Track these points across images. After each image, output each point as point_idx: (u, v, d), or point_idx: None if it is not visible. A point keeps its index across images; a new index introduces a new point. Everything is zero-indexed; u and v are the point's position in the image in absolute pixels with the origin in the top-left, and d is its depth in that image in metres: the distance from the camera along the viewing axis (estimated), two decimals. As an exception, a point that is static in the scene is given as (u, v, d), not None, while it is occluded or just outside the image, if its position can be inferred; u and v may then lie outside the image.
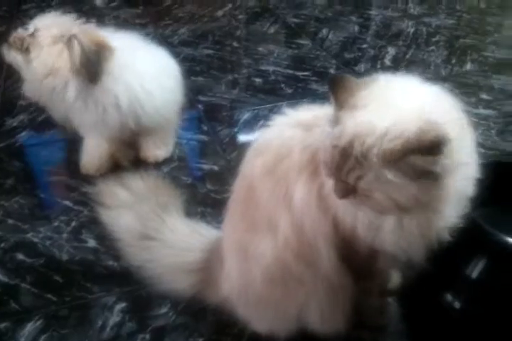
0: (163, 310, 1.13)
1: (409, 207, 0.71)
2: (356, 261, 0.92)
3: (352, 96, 0.72)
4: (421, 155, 0.65)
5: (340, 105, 0.73)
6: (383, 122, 0.67)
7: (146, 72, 1.42)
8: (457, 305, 1.09)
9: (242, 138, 1.70)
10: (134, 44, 1.43)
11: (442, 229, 0.82)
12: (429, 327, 1.10)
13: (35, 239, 1.30)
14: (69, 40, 1.30)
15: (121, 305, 1.14)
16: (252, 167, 0.91)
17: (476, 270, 1.02)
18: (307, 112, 0.92)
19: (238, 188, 0.97)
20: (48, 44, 1.30)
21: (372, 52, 2.31)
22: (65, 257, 1.25)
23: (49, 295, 1.15)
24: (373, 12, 2.80)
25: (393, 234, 0.80)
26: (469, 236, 0.93)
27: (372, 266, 0.95)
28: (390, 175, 0.67)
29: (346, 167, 0.70)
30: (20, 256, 1.25)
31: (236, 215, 0.97)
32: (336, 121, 0.72)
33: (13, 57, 1.33)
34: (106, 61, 1.32)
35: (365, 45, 2.39)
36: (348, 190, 0.74)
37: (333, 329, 0.98)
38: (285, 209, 0.87)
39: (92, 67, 1.30)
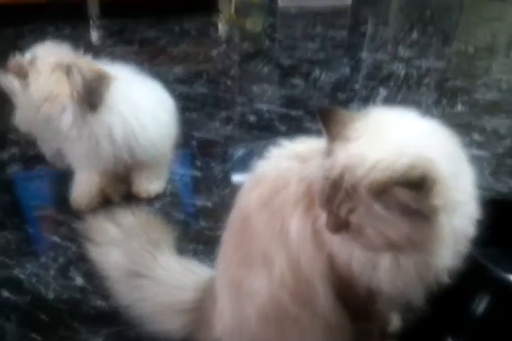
0: (153, 352, 1.08)
1: (401, 245, 0.69)
2: (354, 301, 0.89)
3: (345, 128, 0.72)
4: (407, 190, 0.63)
5: (332, 137, 0.72)
6: (375, 154, 0.66)
7: (141, 104, 1.42)
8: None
9: (236, 174, 1.69)
10: (129, 77, 1.44)
11: (441, 270, 0.80)
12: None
13: (22, 276, 1.25)
14: (69, 67, 1.31)
15: (108, 347, 1.09)
16: (247, 198, 0.89)
17: (477, 310, 1.00)
18: (304, 144, 0.91)
19: (233, 220, 0.95)
20: (47, 70, 1.31)
21: (364, 92, 2.35)
22: (51, 295, 1.20)
23: (34, 335, 1.10)
24: (364, 55, 2.87)
25: (389, 273, 0.78)
26: (470, 276, 0.91)
27: (371, 307, 0.91)
28: (378, 208, 0.65)
29: (337, 199, 0.69)
30: (6, 293, 1.20)
31: (230, 248, 0.94)
32: (328, 153, 0.71)
33: (10, 82, 1.33)
34: (106, 89, 1.32)
35: (357, 86, 2.44)
36: (340, 225, 0.72)
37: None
38: (281, 243, 0.84)
39: (93, 94, 1.31)
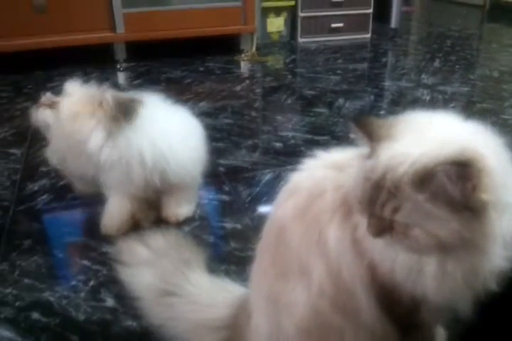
0: (186, 372, 1.03)
1: (451, 244, 0.66)
2: (397, 310, 0.84)
3: (386, 129, 0.71)
4: (453, 179, 0.61)
5: (372, 139, 0.71)
6: (418, 150, 0.64)
7: (170, 128, 1.44)
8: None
9: (265, 197, 1.67)
10: (157, 102, 1.47)
11: (489, 275, 0.75)
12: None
13: (52, 298, 1.23)
14: (100, 95, 1.37)
15: (140, 368, 1.05)
16: (282, 209, 0.87)
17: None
18: (339, 154, 0.90)
19: (268, 233, 0.92)
20: (76, 99, 1.37)
21: (390, 118, 2.34)
22: (81, 317, 1.18)
23: (64, 357, 1.07)
24: (387, 83, 2.89)
25: (435, 280, 0.73)
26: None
27: (415, 317, 0.86)
28: (425, 202, 0.63)
29: (380, 200, 0.66)
30: (36, 315, 1.18)
31: (265, 261, 0.91)
32: (369, 155, 0.70)
33: (42, 113, 1.37)
34: (138, 106, 1.36)
35: (382, 111, 2.44)
36: (383, 227, 0.69)
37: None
38: (319, 253, 0.81)
39: (125, 109, 1.35)
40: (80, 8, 2.97)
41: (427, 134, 0.68)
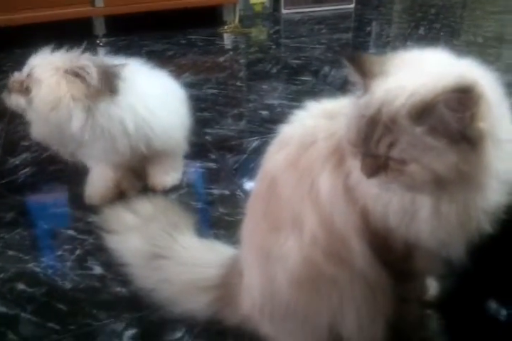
0: (178, 334, 1.01)
1: (448, 178, 0.63)
2: (390, 257, 0.82)
3: (379, 66, 0.68)
4: (453, 107, 0.59)
5: (365, 75, 0.68)
6: (413, 85, 0.62)
7: (150, 93, 1.39)
8: (504, 312, 0.98)
9: (253, 164, 1.64)
10: (135, 68, 1.41)
11: (483, 217, 0.73)
12: (473, 339, 0.97)
13: (37, 269, 1.20)
14: (76, 69, 1.28)
15: (131, 332, 1.02)
16: (273, 161, 0.85)
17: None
18: (330, 103, 0.87)
19: (259, 185, 0.90)
20: (45, 78, 1.28)
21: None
22: (68, 285, 1.15)
23: (51, 324, 1.04)
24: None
25: (429, 222, 0.72)
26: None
27: (408, 264, 0.85)
28: (423, 135, 0.60)
29: (375, 136, 0.64)
30: (21, 286, 1.15)
31: (257, 214, 0.89)
32: (363, 91, 0.67)
33: (15, 100, 1.32)
34: (121, 72, 1.31)
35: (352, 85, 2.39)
36: (377, 166, 0.67)
37: (371, 338, 0.86)
38: (311, 203, 0.79)
39: (110, 80, 1.28)
40: (56, -18, 2.87)
41: (422, 68, 0.66)
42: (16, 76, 1.33)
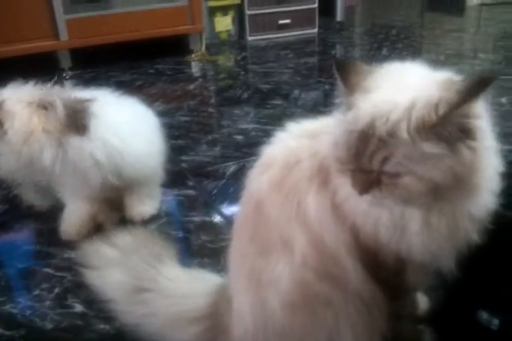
0: (169, 369, 0.97)
1: (444, 184, 0.63)
2: (383, 274, 0.82)
3: (362, 79, 0.69)
4: (468, 105, 0.61)
5: (351, 89, 0.68)
6: (403, 97, 0.63)
7: (119, 121, 1.37)
8: (495, 321, 0.98)
9: (232, 188, 1.62)
10: (104, 97, 1.39)
11: (471, 227, 0.74)
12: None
13: (14, 310, 1.14)
14: (44, 103, 1.26)
15: (118, 371, 0.97)
16: (257, 184, 0.84)
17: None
18: (310, 123, 0.87)
19: (244, 209, 0.88)
20: (18, 111, 1.25)
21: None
22: (49, 325, 1.10)
23: (33, 368, 0.98)
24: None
25: (420, 236, 0.72)
26: (504, 240, 0.84)
27: (400, 279, 0.84)
28: (426, 146, 0.61)
29: (368, 150, 0.64)
30: (-2, 330, 1.09)
31: (244, 239, 0.87)
32: (348, 107, 0.67)
33: None
34: (89, 110, 1.28)
35: (338, 100, 2.43)
36: (370, 182, 0.66)
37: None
38: (299, 223, 0.78)
39: (78, 118, 1.26)
40: (21, 17, 2.83)
41: (404, 81, 0.67)
42: None
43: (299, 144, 0.83)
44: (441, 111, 0.60)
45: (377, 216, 0.72)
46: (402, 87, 0.65)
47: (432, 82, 0.65)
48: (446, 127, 0.61)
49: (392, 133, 0.61)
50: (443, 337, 0.99)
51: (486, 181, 0.70)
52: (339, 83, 0.70)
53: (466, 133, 0.62)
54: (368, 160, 0.64)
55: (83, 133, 1.27)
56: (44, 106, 1.26)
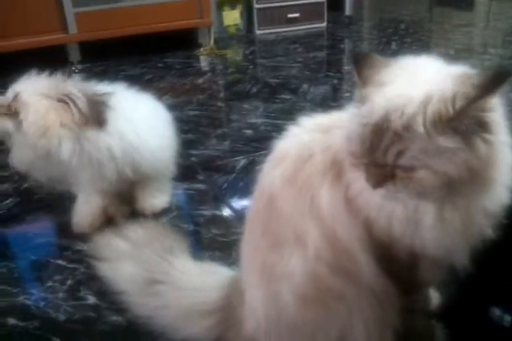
0: (181, 361, 0.98)
1: (459, 178, 0.63)
2: (396, 268, 0.82)
3: (377, 73, 0.69)
4: (485, 99, 0.61)
5: (365, 83, 0.69)
6: (418, 91, 0.63)
7: (136, 117, 1.37)
8: (508, 318, 0.98)
9: (242, 183, 1.63)
10: (120, 92, 1.40)
11: (485, 222, 0.74)
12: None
13: (28, 302, 1.16)
14: (65, 96, 1.26)
15: (132, 362, 0.98)
16: (270, 178, 0.84)
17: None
18: (323, 117, 0.87)
19: (256, 203, 0.88)
20: (33, 102, 1.26)
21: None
22: (62, 317, 1.11)
23: (48, 359, 1.00)
24: (348, 67, 2.89)
25: (434, 230, 0.72)
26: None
27: (413, 275, 0.84)
28: (442, 140, 0.61)
29: (383, 144, 0.63)
30: (12, 321, 1.10)
31: (256, 233, 0.87)
32: (363, 100, 0.67)
33: (2, 123, 1.27)
34: (108, 103, 1.29)
35: (347, 94, 2.43)
36: (384, 176, 0.66)
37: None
38: (312, 217, 0.78)
39: (98, 112, 1.27)
40: (30, 10, 2.84)
41: (417, 75, 0.67)
42: (1, 99, 1.29)
43: (311, 138, 0.83)
44: (459, 105, 0.60)
45: (391, 210, 0.72)
46: (416, 81, 0.65)
47: (447, 76, 0.65)
48: (463, 121, 0.61)
49: (408, 127, 0.61)
50: (454, 333, 1.00)
51: (501, 175, 0.70)
52: (355, 76, 0.70)
53: (482, 127, 0.62)
54: (383, 153, 0.64)
55: (102, 127, 1.28)
56: (62, 100, 1.27)
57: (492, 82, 0.61)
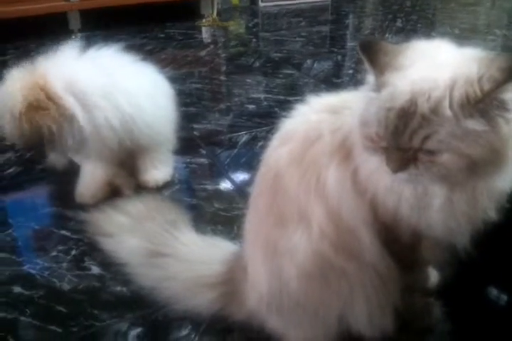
0: (184, 332, 1.01)
1: (482, 160, 0.64)
2: (398, 248, 0.83)
3: (393, 58, 0.68)
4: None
5: (381, 69, 0.68)
6: (442, 74, 0.63)
7: (134, 87, 1.37)
8: (505, 298, 1.00)
9: (244, 158, 1.63)
10: (117, 62, 1.39)
11: (490, 205, 0.75)
12: (475, 325, 1.00)
13: (32, 271, 1.17)
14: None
15: (136, 331, 1.01)
16: (276, 156, 0.84)
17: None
18: (332, 97, 0.87)
19: (262, 181, 0.89)
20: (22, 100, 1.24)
21: (359, 76, 2.32)
22: (67, 287, 1.13)
23: (52, 327, 1.02)
24: (352, 43, 2.86)
25: (441, 212, 0.72)
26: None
27: (415, 254, 0.86)
28: (470, 123, 0.61)
29: (409, 128, 0.63)
30: (17, 289, 1.12)
31: (261, 209, 0.88)
32: (381, 85, 0.67)
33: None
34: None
35: (350, 71, 2.41)
36: (406, 160, 0.66)
37: (381, 328, 0.86)
38: (317, 196, 0.79)
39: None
40: (28, -25, 2.79)
41: (439, 58, 0.67)
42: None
43: (319, 118, 0.82)
44: (487, 87, 0.60)
45: (400, 192, 0.73)
46: (436, 65, 0.65)
47: (469, 59, 0.65)
48: (490, 103, 0.61)
49: (435, 111, 0.61)
50: (452, 311, 1.03)
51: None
52: (365, 63, 0.69)
53: (504, 108, 0.62)
54: (409, 138, 0.64)
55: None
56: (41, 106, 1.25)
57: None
